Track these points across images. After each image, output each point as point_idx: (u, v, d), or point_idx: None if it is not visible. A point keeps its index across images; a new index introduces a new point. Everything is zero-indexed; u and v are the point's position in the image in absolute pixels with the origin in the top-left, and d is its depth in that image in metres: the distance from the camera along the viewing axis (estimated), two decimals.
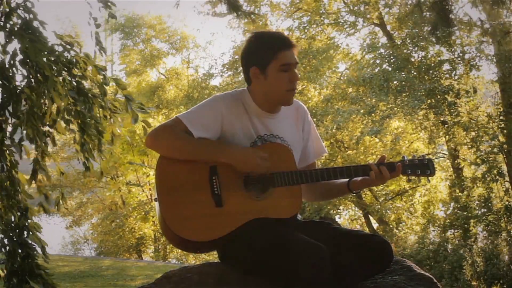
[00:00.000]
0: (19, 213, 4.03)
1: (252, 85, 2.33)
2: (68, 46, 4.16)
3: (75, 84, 4.17)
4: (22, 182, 4.10)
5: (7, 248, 4.05)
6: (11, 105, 3.95)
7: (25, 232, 4.10)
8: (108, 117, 4.35)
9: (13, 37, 3.87)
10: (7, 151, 4.00)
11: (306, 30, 15.52)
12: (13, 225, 4.04)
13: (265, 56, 2.26)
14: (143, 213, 18.43)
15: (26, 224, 4.06)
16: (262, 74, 2.27)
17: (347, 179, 2.37)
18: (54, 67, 3.99)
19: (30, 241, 4.11)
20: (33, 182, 4.17)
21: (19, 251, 4.05)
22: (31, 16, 3.96)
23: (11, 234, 4.03)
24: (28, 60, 3.90)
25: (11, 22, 3.93)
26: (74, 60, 4.16)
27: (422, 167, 2.36)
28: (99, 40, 4.27)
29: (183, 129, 2.21)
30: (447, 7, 6.42)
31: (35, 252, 4.14)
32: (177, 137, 2.19)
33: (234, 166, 2.18)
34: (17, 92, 3.95)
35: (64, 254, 18.00)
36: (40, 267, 4.17)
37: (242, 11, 6.28)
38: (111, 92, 4.61)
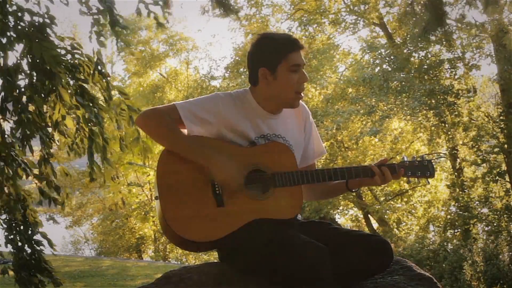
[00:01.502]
0: (22, 210, 4.06)
1: (258, 86, 2.31)
2: (70, 49, 4.17)
3: (79, 88, 4.18)
4: (32, 167, 4.14)
5: (13, 243, 4.09)
6: (12, 104, 3.97)
7: (30, 229, 4.14)
8: (115, 122, 4.38)
9: (23, 40, 3.88)
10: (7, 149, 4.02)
11: (306, 31, 15.52)
12: (15, 222, 4.07)
13: (275, 57, 2.25)
14: (143, 213, 18.44)
15: (31, 220, 4.10)
16: (272, 75, 2.26)
17: None
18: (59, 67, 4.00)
19: (35, 237, 4.17)
20: (40, 180, 4.21)
21: (25, 246, 4.10)
22: (46, 20, 3.97)
23: (17, 229, 4.06)
24: (37, 61, 3.91)
25: (23, 24, 3.95)
26: (78, 64, 4.18)
27: (422, 169, 2.36)
28: (101, 61, 4.25)
29: (176, 118, 2.21)
30: (440, 6, 6.37)
31: (42, 246, 4.19)
32: (166, 125, 2.19)
33: (208, 170, 2.15)
34: (18, 91, 3.97)
35: (64, 254, 17.99)
36: (47, 262, 4.22)
37: (232, 9, 6.33)
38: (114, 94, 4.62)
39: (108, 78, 4.32)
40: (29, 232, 4.15)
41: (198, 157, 2.17)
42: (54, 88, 3.99)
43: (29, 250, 4.19)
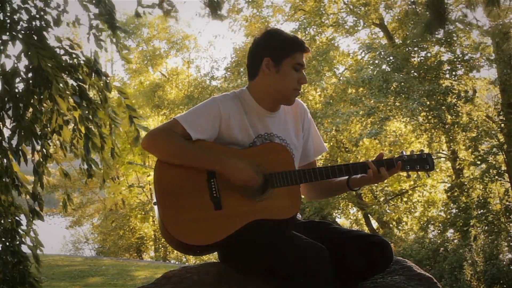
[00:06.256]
0: (16, 218, 4.00)
1: (258, 78, 2.33)
2: (69, 50, 4.14)
3: (77, 88, 4.15)
4: (25, 182, 4.09)
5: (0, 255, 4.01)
6: (11, 109, 3.93)
7: (17, 238, 4.06)
8: (108, 127, 4.33)
9: (17, 40, 3.86)
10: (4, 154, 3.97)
11: (306, 32, 15.51)
12: (7, 228, 4.01)
13: (284, 50, 2.29)
14: (143, 213, 18.43)
15: (19, 230, 4.03)
16: (275, 66, 2.29)
17: (347, 177, 2.37)
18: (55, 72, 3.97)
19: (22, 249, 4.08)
20: (39, 185, 4.14)
21: (10, 259, 4.01)
22: (41, 22, 3.94)
23: (3, 239, 3.99)
24: (31, 66, 3.88)
25: (18, 27, 3.92)
26: (76, 64, 4.15)
27: (421, 162, 2.35)
28: (98, 62, 4.22)
29: (181, 132, 2.21)
30: (441, 6, 6.35)
31: (28, 261, 4.10)
32: (173, 142, 2.19)
33: (227, 177, 2.17)
34: (17, 96, 3.93)
35: (64, 254, 17.98)
36: (31, 274, 4.13)
37: (218, 14, 6.34)
38: (112, 96, 4.57)
39: (108, 79, 4.29)
40: (16, 242, 4.04)
41: (214, 166, 2.18)
42: (51, 96, 3.96)
43: (14, 261, 4.08)
